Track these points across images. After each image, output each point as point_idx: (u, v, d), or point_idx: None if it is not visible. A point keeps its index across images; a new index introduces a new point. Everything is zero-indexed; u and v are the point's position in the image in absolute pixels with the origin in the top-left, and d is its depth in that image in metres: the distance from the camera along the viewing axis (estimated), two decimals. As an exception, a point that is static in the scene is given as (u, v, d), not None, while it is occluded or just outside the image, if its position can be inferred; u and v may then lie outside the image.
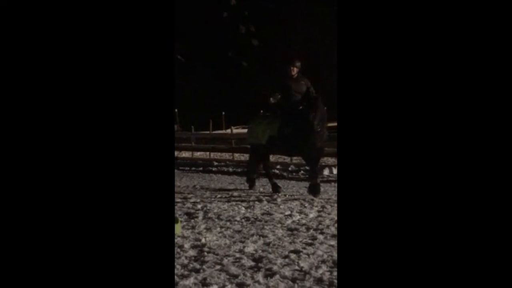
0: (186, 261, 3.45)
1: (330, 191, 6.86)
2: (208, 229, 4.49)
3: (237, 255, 3.62)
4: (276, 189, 6.52)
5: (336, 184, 6.53)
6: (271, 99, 5.68)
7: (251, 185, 6.91)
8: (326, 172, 8.95)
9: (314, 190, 5.97)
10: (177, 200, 6.01)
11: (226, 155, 13.27)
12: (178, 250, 3.72)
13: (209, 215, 5.17)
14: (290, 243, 4.02)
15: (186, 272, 3.17)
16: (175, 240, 3.83)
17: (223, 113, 15.41)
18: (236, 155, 12.46)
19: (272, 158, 9.80)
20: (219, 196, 6.97)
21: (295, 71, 5.65)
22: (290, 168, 10.36)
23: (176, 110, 14.89)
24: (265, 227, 4.65)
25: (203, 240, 4.08)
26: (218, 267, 3.30)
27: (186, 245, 3.93)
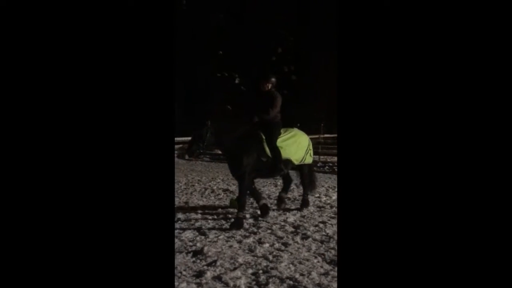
0: (247, 226, 4.57)
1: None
2: (257, 208, 5.46)
3: (282, 223, 4.73)
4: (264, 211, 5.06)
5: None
6: (255, 117, 4.85)
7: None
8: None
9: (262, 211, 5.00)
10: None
11: None
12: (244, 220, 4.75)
13: (263, 195, 6.03)
14: (319, 216, 5.19)
15: (247, 234, 4.27)
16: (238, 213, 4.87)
17: (298, 125, 18.08)
18: None
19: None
20: (268, 182, 8.26)
21: (269, 86, 4.96)
22: (318, 164, 12.27)
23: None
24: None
25: (258, 212, 5.21)
26: (269, 231, 4.39)
27: (247, 215, 5.08)
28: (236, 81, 25.58)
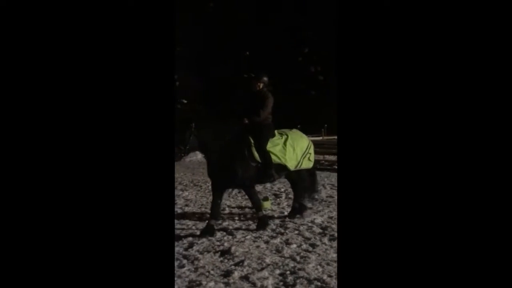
0: (274, 227, 4.56)
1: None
2: (289, 206, 5.55)
3: (310, 224, 4.69)
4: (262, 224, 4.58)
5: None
6: (245, 119, 4.55)
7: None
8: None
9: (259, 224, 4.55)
10: (268, 185, 7.14)
11: None
12: (270, 220, 4.79)
13: (290, 196, 6.08)
14: (348, 218, 5.11)
15: (274, 234, 4.26)
16: (266, 212, 4.94)
17: (298, 126, 17.76)
18: None
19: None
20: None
21: (260, 86, 4.67)
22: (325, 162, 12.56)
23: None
24: (329, 206, 5.73)
25: (285, 213, 5.19)
26: (296, 232, 4.36)
27: (275, 215, 5.07)
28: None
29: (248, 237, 4.22)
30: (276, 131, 4.73)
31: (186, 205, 6.06)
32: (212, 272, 3.22)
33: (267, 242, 4.01)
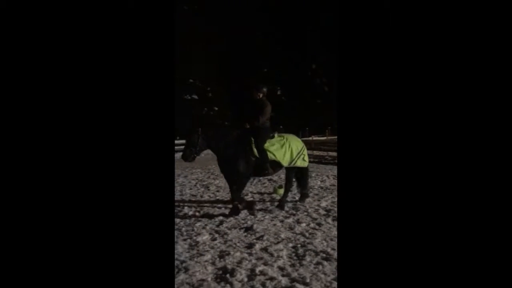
0: (287, 209, 4.57)
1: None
2: (298, 192, 5.52)
3: (316, 207, 4.68)
4: (250, 207, 4.53)
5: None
6: (246, 124, 4.41)
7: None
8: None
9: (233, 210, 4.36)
10: (282, 176, 7.05)
11: (308, 152, 15.17)
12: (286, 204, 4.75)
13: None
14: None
15: (287, 215, 4.27)
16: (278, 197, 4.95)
17: (307, 128, 17.76)
18: (315, 152, 13.78)
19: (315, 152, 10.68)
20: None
21: (260, 95, 4.50)
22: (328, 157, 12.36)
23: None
24: (332, 192, 5.69)
25: (296, 198, 5.18)
26: (305, 213, 4.36)
27: (288, 200, 5.04)
28: (278, 93, 25.77)
29: (266, 217, 4.23)
30: (276, 134, 4.65)
31: (217, 191, 6.12)
32: (238, 244, 3.26)
33: (282, 221, 4.01)
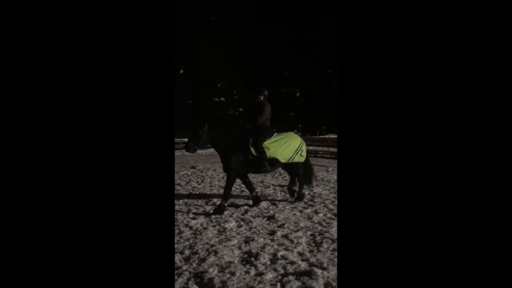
0: (306, 200, 4.53)
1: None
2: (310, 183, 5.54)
3: (333, 199, 4.61)
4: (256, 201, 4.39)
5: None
6: (247, 124, 4.35)
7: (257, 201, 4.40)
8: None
9: (255, 201, 4.34)
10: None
11: (324, 149, 14.94)
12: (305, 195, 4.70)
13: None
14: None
15: (306, 206, 4.23)
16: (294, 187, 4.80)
17: (324, 127, 17.99)
18: (331, 149, 13.62)
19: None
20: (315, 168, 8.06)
21: (261, 98, 4.40)
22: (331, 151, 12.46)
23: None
24: None
25: (314, 191, 5.15)
26: (322, 204, 4.33)
27: (306, 192, 4.95)
28: (297, 95, 25.70)
29: (287, 207, 4.22)
30: (276, 133, 4.50)
31: (242, 184, 6.14)
32: (261, 231, 3.25)
33: (301, 211, 3.99)
